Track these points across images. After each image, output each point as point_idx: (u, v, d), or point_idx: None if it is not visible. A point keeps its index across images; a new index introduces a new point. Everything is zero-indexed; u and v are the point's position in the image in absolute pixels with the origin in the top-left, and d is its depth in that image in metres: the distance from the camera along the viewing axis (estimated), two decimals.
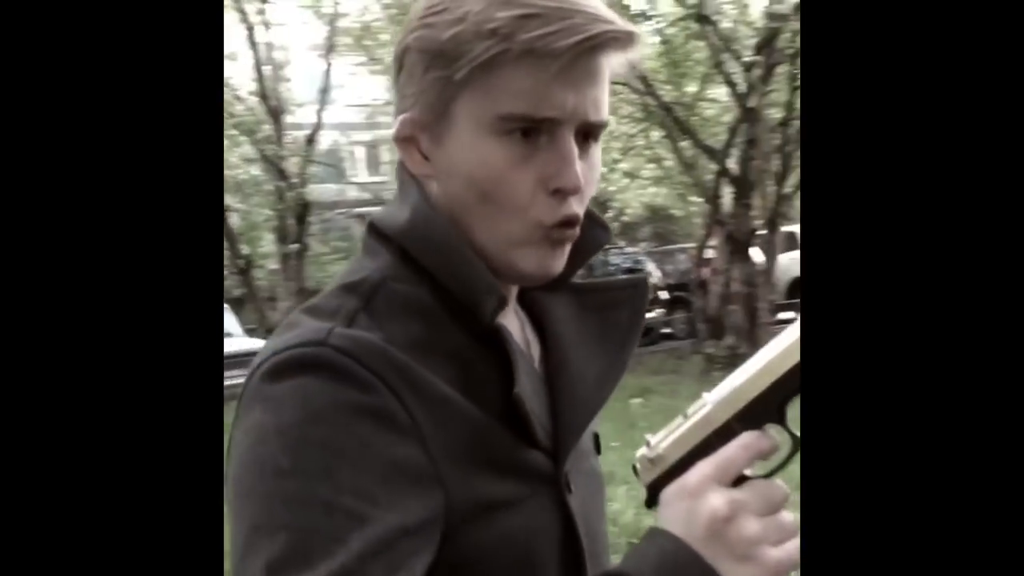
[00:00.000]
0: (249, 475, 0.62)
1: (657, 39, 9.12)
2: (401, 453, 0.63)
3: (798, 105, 7.22)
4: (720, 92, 10.48)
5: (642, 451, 0.69)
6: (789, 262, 11.60)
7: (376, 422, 0.63)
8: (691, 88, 10.27)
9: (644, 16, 9.30)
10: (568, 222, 0.72)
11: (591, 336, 0.79)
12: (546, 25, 0.67)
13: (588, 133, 0.72)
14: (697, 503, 0.63)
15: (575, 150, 0.70)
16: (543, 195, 0.71)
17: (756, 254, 10.13)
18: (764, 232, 10.07)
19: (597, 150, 0.74)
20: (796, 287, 11.37)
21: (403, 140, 0.74)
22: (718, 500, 0.62)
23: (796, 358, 0.64)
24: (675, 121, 9.50)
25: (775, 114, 9.84)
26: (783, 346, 0.65)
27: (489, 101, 0.69)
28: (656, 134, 10.79)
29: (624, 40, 0.69)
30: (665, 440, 0.68)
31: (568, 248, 0.74)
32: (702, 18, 8.89)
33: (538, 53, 0.67)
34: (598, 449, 0.88)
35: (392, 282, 0.72)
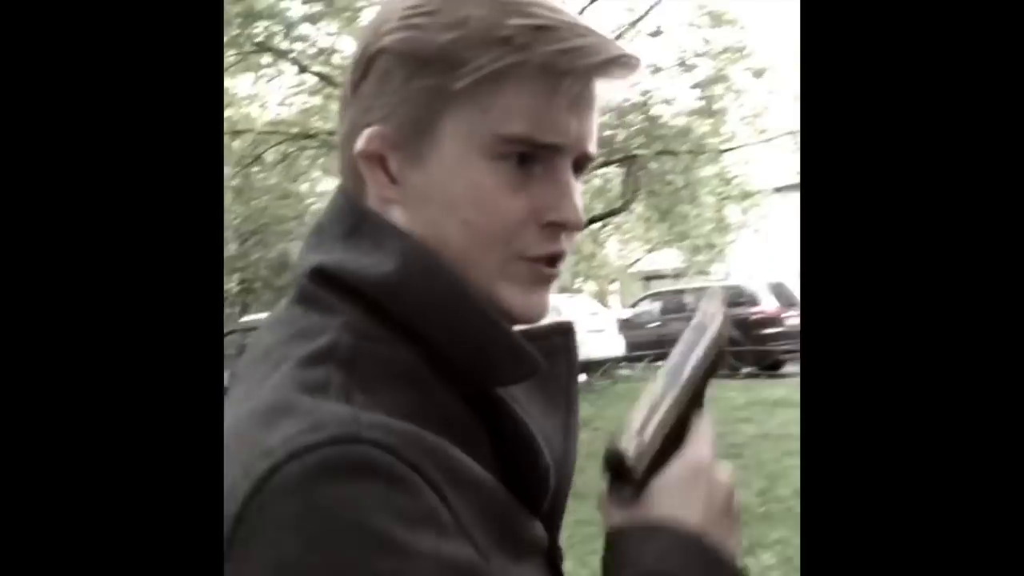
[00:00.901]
0: None
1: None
2: (456, 554, 0.54)
3: None
4: None
5: (629, 441, 0.65)
6: None
7: (430, 529, 0.53)
8: None
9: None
10: (555, 259, 0.65)
11: (537, 393, 0.70)
12: (564, 41, 0.61)
13: (579, 166, 0.66)
14: (713, 485, 0.65)
15: (573, 182, 0.64)
16: (533, 228, 0.63)
17: None
18: None
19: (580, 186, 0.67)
20: None
21: (369, 157, 0.64)
22: (724, 476, 0.66)
23: (711, 352, 0.70)
24: None
25: None
26: (705, 344, 0.70)
27: (488, 119, 0.61)
28: None
29: (633, 66, 0.64)
30: (650, 424, 0.66)
31: (551, 289, 0.66)
32: None
33: (556, 70, 0.61)
34: None
35: (367, 343, 0.60)
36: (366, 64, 0.64)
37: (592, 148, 0.66)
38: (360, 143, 0.64)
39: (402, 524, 0.51)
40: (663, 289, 17.23)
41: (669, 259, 17.50)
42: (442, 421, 0.59)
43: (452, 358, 0.62)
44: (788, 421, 9.08)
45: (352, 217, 0.65)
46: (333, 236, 0.65)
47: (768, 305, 14.43)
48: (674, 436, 0.66)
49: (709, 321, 0.72)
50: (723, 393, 11.54)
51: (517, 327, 0.66)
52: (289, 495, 0.51)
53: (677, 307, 15.32)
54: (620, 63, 0.63)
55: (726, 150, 10.00)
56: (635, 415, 0.67)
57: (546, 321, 0.71)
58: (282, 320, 0.64)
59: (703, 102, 9.97)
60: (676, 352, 0.70)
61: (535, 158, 0.63)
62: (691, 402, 0.68)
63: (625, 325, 14.54)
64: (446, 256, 0.63)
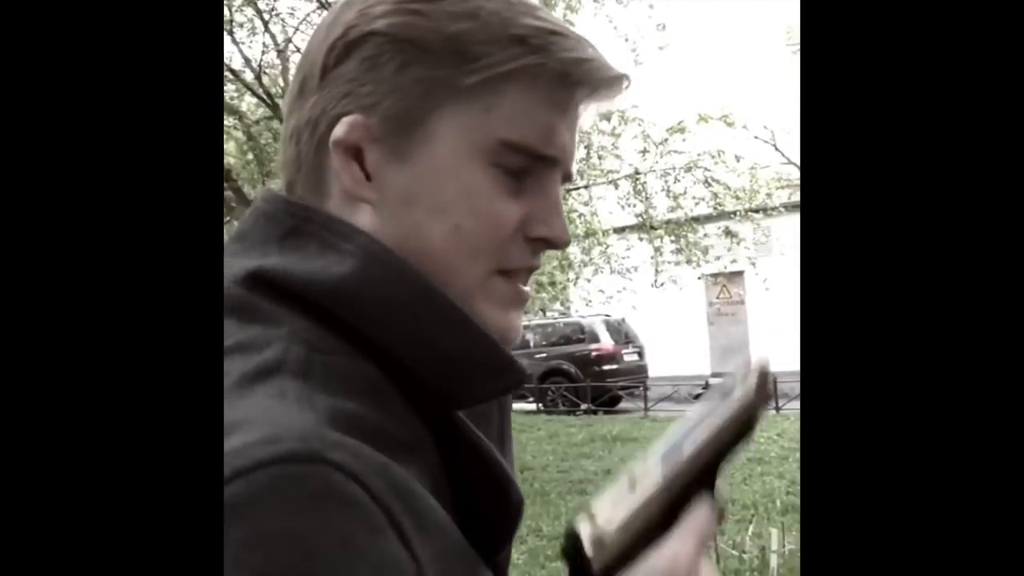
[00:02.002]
0: None
1: (242, 136, 9.10)
2: None
3: None
4: None
5: (588, 529, 0.56)
6: None
7: (382, 572, 0.44)
8: (275, 186, 10.26)
9: (234, 112, 9.32)
10: (530, 272, 0.60)
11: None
12: (577, 51, 0.57)
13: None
14: None
15: (560, 199, 0.60)
16: (520, 241, 0.59)
17: None
18: None
19: None
20: None
21: (347, 149, 0.57)
22: None
23: (734, 420, 0.57)
24: None
25: None
26: (726, 410, 0.58)
27: (491, 121, 0.56)
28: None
29: (620, 90, 0.61)
30: (618, 513, 0.56)
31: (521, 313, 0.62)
32: None
33: (570, 79, 0.57)
34: None
35: (319, 355, 0.51)
36: (346, 47, 0.57)
37: (571, 169, 0.62)
38: (340, 131, 0.56)
39: (354, 561, 0.42)
40: None
41: None
42: (403, 447, 0.50)
43: (416, 372, 0.54)
44: (627, 455, 9.29)
45: (292, 218, 0.58)
46: (264, 239, 0.57)
47: (606, 342, 14.83)
48: (659, 522, 0.55)
49: (738, 383, 0.59)
50: (563, 429, 11.73)
51: None
52: (230, 519, 0.41)
53: (519, 343, 15.47)
54: (619, 82, 0.60)
55: (571, 189, 10.26)
56: (608, 496, 0.58)
57: None
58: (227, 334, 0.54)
59: None
60: (685, 421, 0.60)
61: (528, 171, 0.58)
62: (693, 483, 0.57)
63: None
64: (423, 264, 0.56)
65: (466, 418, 0.59)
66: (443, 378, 0.55)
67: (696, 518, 0.55)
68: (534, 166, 0.58)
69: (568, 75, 0.57)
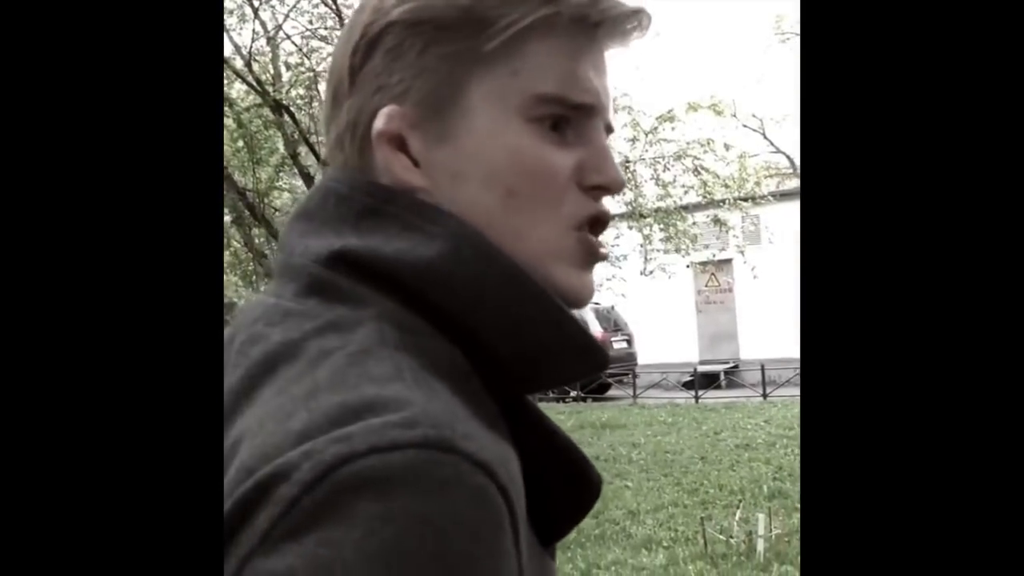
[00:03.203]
0: None
1: (232, 123, 8.94)
2: None
3: None
4: (297, 182, 10.46)
5: None
6: None
7: (502, 567, 0.44)
8: (264, 174, 9.97)
9: (224, 99, 9.26)
10: (602, 222, 0.60)
11: None
12: None
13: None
14: None
15: (608, 144, 0.60)
16: (576, 192, 0.58)
17: None
18: None
19: None
20: None
21: (390, 140, 0.57)
22: None
23: None
24: (248, 207, 9.30)
25: None
26: None
27: (520, 79, 0.56)
28: (226, 218, 10.34)
29: (645, 27, 0.61)
30: None
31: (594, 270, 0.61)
32: (278, 107, 8.74)
33: (588, 21, 0.57)
34: None
35: (409, 336, 0.51)
36: (368, 45, 0.58)
37: (612, 120, 0.62)
38: (379, 123, 0.57)
39: (484, 565, 0.42)
40: None
41: None
42: (491, 432, 0.50)
43: (499, 354, 0.54)
44: (616, 442, 9.33)
45: (370, 198, 0.58)
46: (338, 219, 0.58)
47: (595, 330, 14.86)
48: None
49: None
50: (553, 416, 11.69)
51: None
52: (362, 491, 0.41)
53: None
54: (641, 17, 0.60)
55: None
56: None
57: None
58: (294, 313, 0.54)
59: None
60: None
61: (568, 121, 0.58)
62: None
63: None
64: (489, 236, 0.56)
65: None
66: (526, 361, 0.55)
67: None
68: (573, 116, 0.58)
69: (585, 17, 0.58)
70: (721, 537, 5.32)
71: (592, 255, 0.60)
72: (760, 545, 5.00)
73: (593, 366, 0.57)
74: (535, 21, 0.56)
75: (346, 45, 0.60)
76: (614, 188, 0.60)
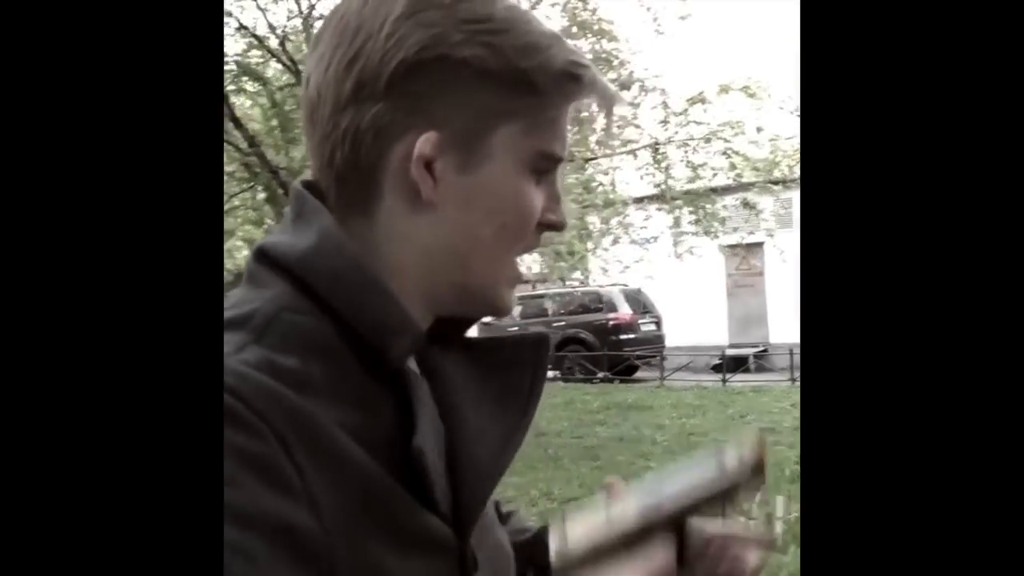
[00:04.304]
0: None
1: (267, 102, 9.08)
2: (287, 515, 0.54)
3: None
4: None
5: (557, 542, 0.67)
6: None
7: (261, 475, 0.54)
8: (297, 153, 9.85)
9: (259, 78, 9.28)
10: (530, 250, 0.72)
11: (489, 396, 0.71)
12: (598, 81, 0.69)
13: None
14: None
15: None
16: (533, 227, 0.70)
17: None
18: None
19: None
20: None
21: (423, 161, 0.65)
22: None
23: (718, 493, 0.69)
24: (280, 185, 9.20)
25: None
26: (715, 484, 0.69)
27: (534, 136, 0.67)
28: (260, 196, 10.51)
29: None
30: (588, 536, 0.67)
31: None
32: None
33: (595, 94, 0.69)
34: (502, 519, 0.84)
35: (288, 314, 0.63)
36: (417, 65, 0.64)
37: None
38: (425, 148, 0.65)
39: (234, 464, 0.53)
40: (524, 294, 17.48)
41: (531, 264, 17.75)
42: (350, 397, 0.62)
43: (363, 333, 0.64)
44: (641, 424, 9.34)
45: (297, 204, 0.69)
46: (285, 223, 0.69)
47: (624, 312, 14.85)
48: (621, 554, 0.66)
49: (736, 460, 0.70)
50: (579, 396, 11.77)
51: (486, 325, 0.69)
52: None
53: (538, 312, 15.55)
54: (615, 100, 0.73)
55: (591, 159, 10.24)
56: (583, 519, 0.68)
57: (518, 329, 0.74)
58: (234, 296, 0.66)
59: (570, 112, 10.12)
60: (673, 477, 0.70)
61: (548, 169, 0.70)
62: (660, 529, 0.68)
63: (485, 329, 14.63)
64: (471, 256, 0.67)
65: (477, 385, 0.71)
66: (373, 337, 0.64)
67: (653, 559, 0.68)
68: (552, 165, 0.70)
69: (600, 100, 0.70)
70: (740, 518, 5.34)
71: (518, 277, 0.71)
72: (778, 527, 5.01)
73: (409, 343, 0.66)
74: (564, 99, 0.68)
75: (387, 50, 0.65)
76: (561, 227, 0.71)
